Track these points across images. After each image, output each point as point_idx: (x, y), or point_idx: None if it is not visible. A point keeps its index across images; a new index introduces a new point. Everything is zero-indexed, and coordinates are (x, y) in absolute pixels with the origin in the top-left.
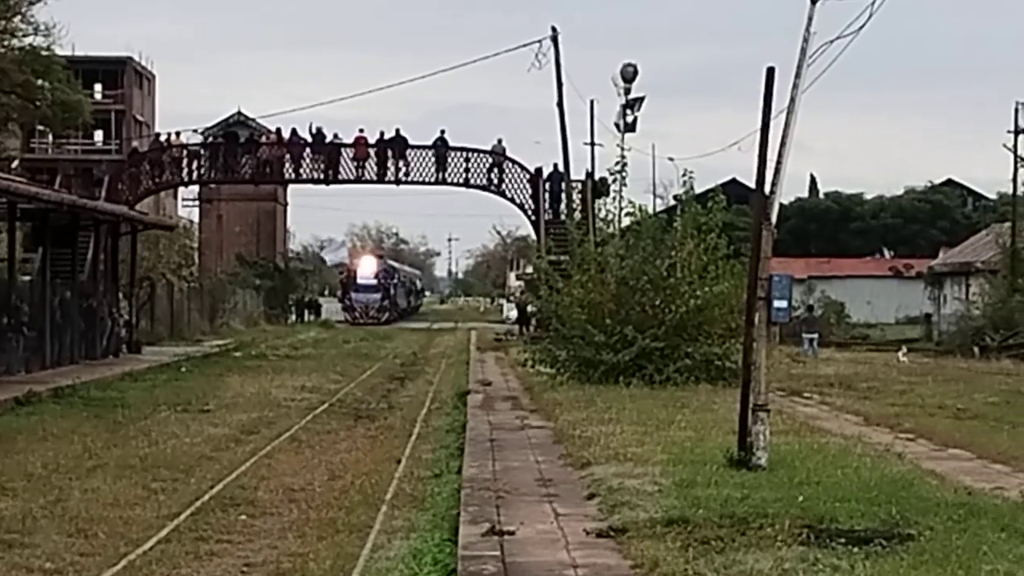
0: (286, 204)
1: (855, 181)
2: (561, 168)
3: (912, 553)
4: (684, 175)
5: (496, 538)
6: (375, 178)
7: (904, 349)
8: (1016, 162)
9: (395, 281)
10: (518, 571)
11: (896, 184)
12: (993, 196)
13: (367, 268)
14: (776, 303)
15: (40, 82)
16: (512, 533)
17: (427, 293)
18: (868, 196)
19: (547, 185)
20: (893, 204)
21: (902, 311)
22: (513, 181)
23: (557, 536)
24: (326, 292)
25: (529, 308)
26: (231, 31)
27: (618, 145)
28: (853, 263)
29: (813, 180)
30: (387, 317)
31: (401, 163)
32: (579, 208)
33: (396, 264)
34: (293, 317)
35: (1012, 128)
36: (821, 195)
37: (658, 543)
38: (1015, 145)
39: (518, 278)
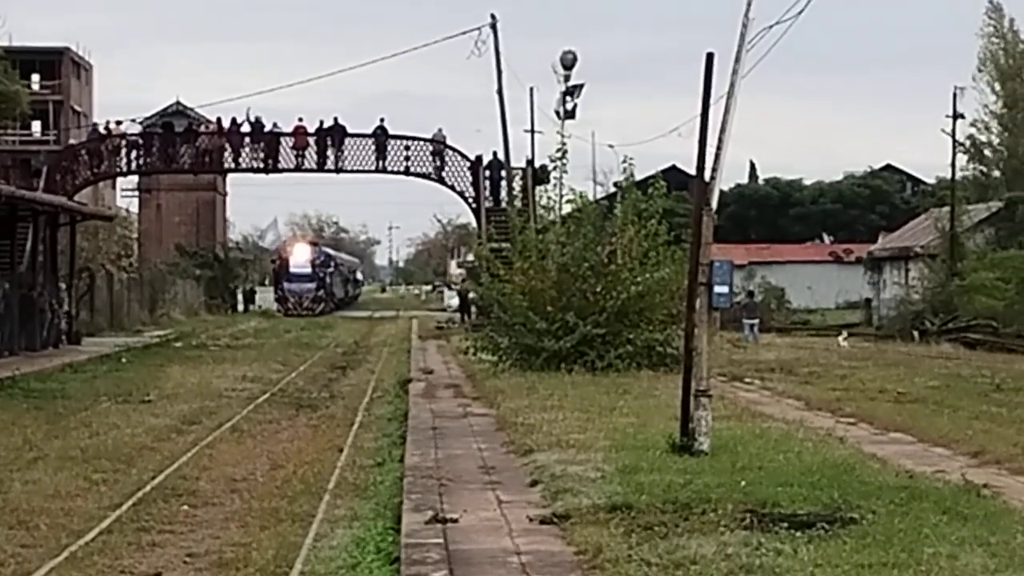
0: (225, 194)
1: (794, 167)
2: (501, 156)
3: (855, 536)
4: (624, 162)
5: (439, 526)
6: (315, 167)
7: (844, 334)
8: (954, 147)
9: (331, 270)
10: (461, 558)
11: (835, 170)
12: (931, 181)
13: (301, 256)
14: (717, 288)
15: None
16: (455, 521)
17: (367, 282)
18: (807, 182)
19: (487, 173)
20: (832, 190)
21: (842, 296)
22: (453, 169)
23: (500, 523)
24: (266, 282)
25: (470, 296)
26: (166, 21)
27: (558, 132)
28: (793, 249)
29: (753, 166)
30: (323, 308)
31: (341, 152)
32: (520, 196)
33: (332, 252)
34: (241, 307)
35: (950, 113)
36: (761, 181)
37: (601, 529)
38: (953, 130)
39: (459, 266)
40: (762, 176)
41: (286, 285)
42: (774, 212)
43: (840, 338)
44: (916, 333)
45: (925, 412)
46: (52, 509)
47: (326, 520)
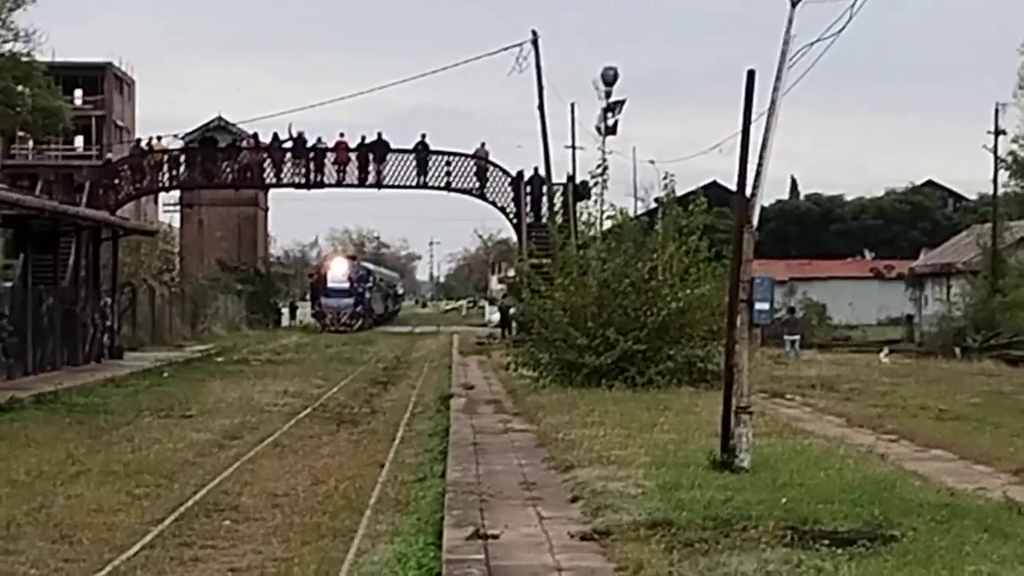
0: (267, 209)
1: (836, 183)
2: (542, 171)
3: (896, 554)
4: (665, 178)
5: (480, 542)
6: (356, 182)
7: (886, 350)
8: (996, 163)
9: (370, 285)
10: (503, 575)
11: (876, 186)
12: (973, 197)
13: (339, 271)
14: (758, 305)
15: (20, 88)
16: (496, 537)
17: (408, 297)
18: (848, 198)
19: (528, 189)
20: (874, 205)
21: (883, 312)
22: (495, 185)
23: (541, 539)
24: (307, 296)
25: (511, 311)
26: (207, 36)
27: (599, 148)
28: (834, 265)
29: (794, 182)
30: (361, 324)
31: (382, 167)
32: (560, 211)
33: (371, 266)
34: (285, 321)
35: (992, 129)
36: (802, 197)
37: (642, 546)
38: (995, 146)
39: (500, 281)
40: (803, 192)
41: (324, 300)
42: (815, 228)
43: (881, 354)
44: (958, 350)
45: (967, 429)
46: (95, 523)
47: (368, 536)
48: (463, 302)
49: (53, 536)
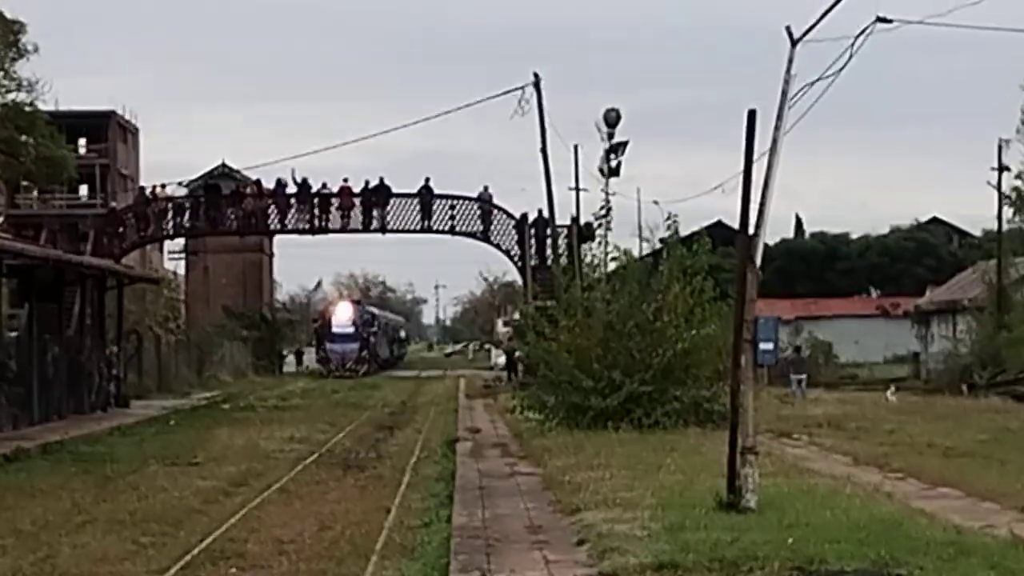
0: (272, 255)
1: (841, 221)
2: (546, 214)
3: None
4: (669, 218)
5: None
6: (360, 227)
7: (892, 388)
8: (1000, 199)
9: (375, 329)
10: None
11: (882, 223)
12: (978, 233)
13: (343, 315)
14: (762, 345)
15: (24, 138)
16: None
17: (414, 341)
18: (854, 236)
19: (533, 231)
20: (879, 243)
21: (890, 350)
22: (499, 228)
23: None
24: (312, 342)
25: (517, 354)
26: (211, 84)
27: (602, 190)
28: (840, 303)
29: (799, 221)
30: (366, 369)
31: (386, 211)
32: (565, 253)
33: (376, 311)
34: (291, 367)
35: (996, 165)
36: (807, 236)
37: None
38: (999, 182)
39: (505, 324)
40: (808, 230)
41: (328, 345)
42: (820, 266)
43: (888, 392)
44: (964, 387)
45: (974, 466)
46: (101, 573)
47: None
48: (470, 345)
49: None
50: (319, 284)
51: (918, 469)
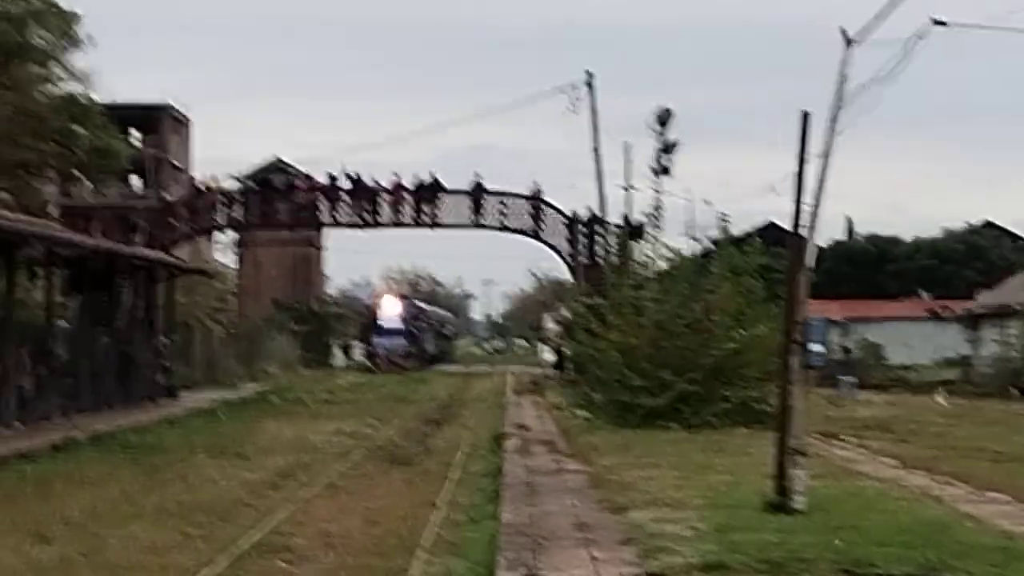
0: (322, 248)
1: (891, 223)
2: (597, 212)
3: None
4: (720, 218)
5: None
6: (411, 222)
7: (941, 391)
8: None
9: (423, 324)
10: None
11: (933, 226)
12: None
13: (391, 309)
14: (812, 347)
15: (78, 129)
16: None
17: (462, 337)
18: (904, 238)
19: (583, 229)
20: (929, 246)
21: (939, 353)
22: (549, 225)
23: None
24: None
25: (566, 351)
26: (263, 78)
27: (653, 189)
28: (890, 305)
29: (849, 222)
30: (413, 364)
31: (437, 207)
32: (615, 252)
33: (425, 305)
34: (340, 361)
35: None
36: (858, 237)
37: None
38: None
39: (555, 321)
40: (859, 232)
41: (376, 340)
42: (871, 268)
43: (937, 395)
44: (1015, 391)
45: (1023, 472)
46: (149, 564)
47: None
48: (509, 341)
49: None
50: (367, 280)
51: (967, 473)
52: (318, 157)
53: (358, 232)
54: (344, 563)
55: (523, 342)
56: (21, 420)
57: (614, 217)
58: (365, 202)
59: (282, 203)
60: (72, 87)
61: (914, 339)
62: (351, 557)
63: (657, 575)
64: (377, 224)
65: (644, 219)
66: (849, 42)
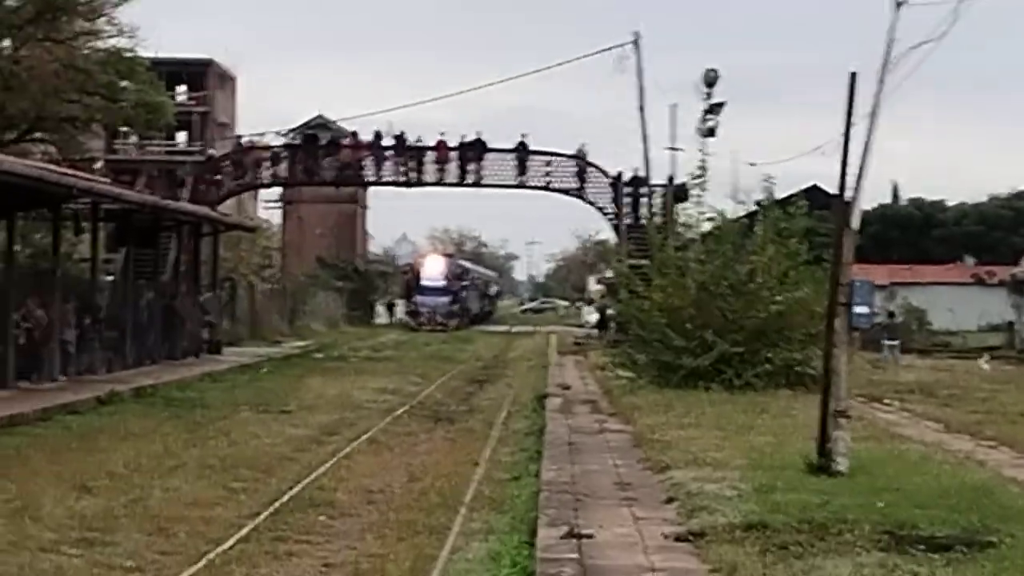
0: (366, 207)
1: (938, 188)
2: (642, 173)
3: (993, 560)
4: (765, 180)
5: (574, 541)
6: (456, 181)
7: (986, 356)
8: None
9: (466, 284)
10: (596, 574)
11: (979, 191)
12: None
13: (434, 268)
14: (857, 308)
15: (124, 83)
16: (590, 536)
17: (505, 297)
18: (951, 203)
19: (628, 190)
20: (975, 211)
21: (984, 318)
22: (594, 186)
23: (635, 540)
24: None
25: (609, 312)
26: (309, 35)
27: (699, 150)
28: (935, 270)
29: (895, 187)
30: (457, 323)
31: (482, 166)
32: (660, 213)
33: (468, 265)
34: (384, 318)
35: None
36: (904, 202)
37: (736, 548)
38: None
39: (598, 282)
40: (905, 197)
41: (418, 298)
42: (917, 233)
43: (981, 360)
44: None
45: None
46: (191, 517)
47: (462, 533)
48: (557, 301)
49: (150, 529)
50: (403, 237)
51: (1011, 438)
52: (361, 116)
53: (402, 191)
54: (386, 519)
55: (559, 302)
56: (66, 373)
57: (659, 179)
58: (410, 161)
59: (327, 160)
60: (118, 42)
61: (959, 304)
62: (393, 513)
63: (698, 534)
64: (421, 183)
65: (688, 181)
66: (899, 3)
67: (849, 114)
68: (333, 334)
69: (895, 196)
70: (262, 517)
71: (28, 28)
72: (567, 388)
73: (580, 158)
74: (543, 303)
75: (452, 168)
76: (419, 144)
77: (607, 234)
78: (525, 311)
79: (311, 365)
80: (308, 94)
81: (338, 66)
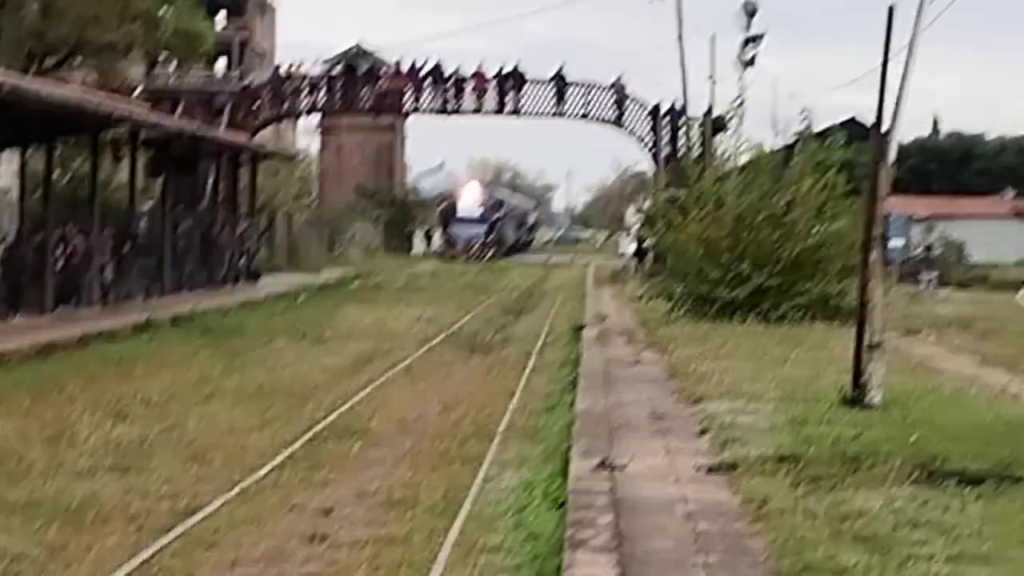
0: (405, 136)
1: (978, 121)
2: (680, 104)
3: None
4: (802, 112)
5: (607, 472)
6: (494, 110)
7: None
8: None
9: (503, 214)
10: (628, 505)
11: (1020, 124)
12: None
13: (471, 198)
14: (892, 242)
15: (163, 10)
16: (623, 467)
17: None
18: (990, 136)
19: (666, 121)
20: (1016, 144)
21: (1023, 252)
22: (633, 116)
23: (668, 471)
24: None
25: (646, 243)
26: None
27: (738, 81)
28: (974, 203)
29: (935, 120)
30: (492, 253)
31: (520, 96)
32: (698, 144)
33: (505, 194)
34: (422, 247)
35: None
36: (943, 135)
37: (768, 480)
38: None
39: (636, 213)
40: (945, 130)
41: (453, 229)
42: (956, 166)
43: (1019, 295)
44: None
45: None
46: (226, 444)
47: (495, 463)
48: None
49: (185, 456)
50: (439, 166)
51: None
52: (399, 44)
53: (440, 121)
54: (421, 448)
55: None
56: (103, 300)
57: (697, 110)
58: (449, 89)
59: (365, 89)
60: None
61: (998, 238)
62: (427, 442)
63: (730, 466)
64: (460, 111)
65: (727, 112)
66: None
67: (887, 47)
68: (370, 263)
69: (935, 129)
70: (297, 445)
71: None
72: (603, 319)
73: (619, 89)
74: (568, 231)
75: (490, 97)
76: (457, 74)
77: (645, 165)
78: (547, 241)
79: (348, 294)
80: (346, 24)
81: None
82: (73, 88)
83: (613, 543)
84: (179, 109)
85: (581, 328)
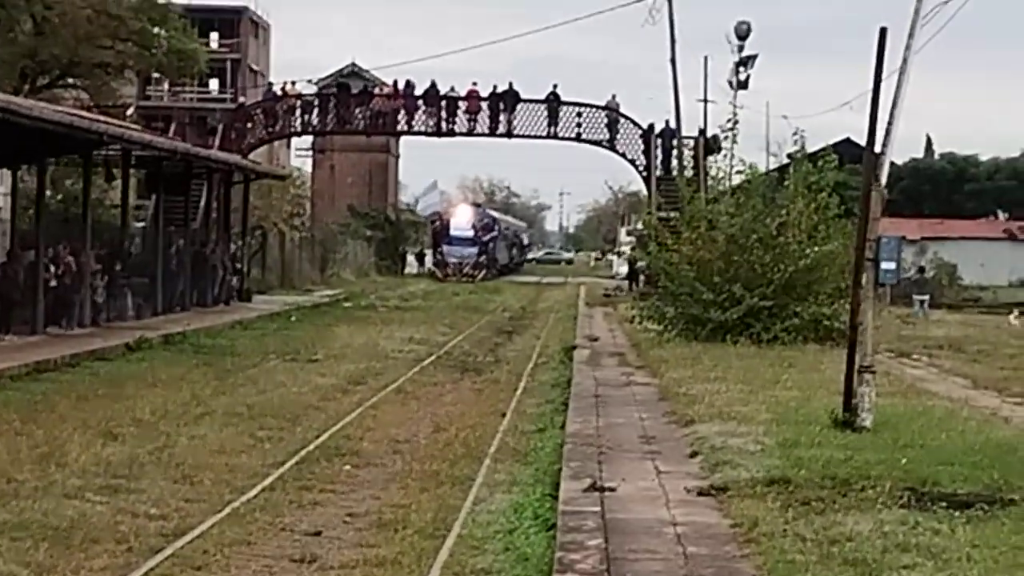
0: (398, 156)
1: (971, 143)
2: (673, 124)
3: (1014, 518)
4: (795, 133)
5: (597, 494)
6: (487, 131)
7: (1016, 312)
8: None
9: (495, 234)
10: (618, 528)
11: (1013, 146)
12: None
13: (463, 218)
14: (884, 264)
15: (156, 30)
16: (613, 489)
17: (536, 248)
18: (983, 158)
19: (659, 141)
20: (1008, 166)
21: (1015, 274)
22: (625, 137)
23: (658, 493)
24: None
25: (638, 264)
26: None
27: (730, 103)
28: (967, 225)
29: (929, 141)
30: (484, 274)
31: (513, 116)
32: (690, 165)
33: (497, 215)
34: (413, 268)
35: None
36: (936, 156)
37: (758, 503)
38: None
39: (628, 234)
40: (938, 151)
41: (445, 248)
42: (948, 187)
43: (1011, 316)
44: None
45: None
46: (216, 465)
47: (485, 484)
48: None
49: (175, 476)
50: (432, 185)
51: None
52: (393, 64)
53: (434, 141)
54: (411, 468)
55: (574, 253)
56: (95, 319)
57: (691, 130)
58: (441, 110)
59: (359, 109)
60: None
61: (990, 260)
62: (418, 463)
63: (721, 488)
64: (453, 132)
65: (720, 133)
66: None
67: (879, 69)
68: (363, 283)
69: (928, 149)
70: (287, 466)
71: None
72: (595, 340)
73: (612, 109)
74: (547, 254)
75: (483, 118)
76: (451, 94)
77: (639, 185)
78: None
79: (340, 314)
80: (340, 44)
81: (371, 15)
82: (66, 108)
83: (602, 566)
84: (172, 128)
85: (572, 349)
